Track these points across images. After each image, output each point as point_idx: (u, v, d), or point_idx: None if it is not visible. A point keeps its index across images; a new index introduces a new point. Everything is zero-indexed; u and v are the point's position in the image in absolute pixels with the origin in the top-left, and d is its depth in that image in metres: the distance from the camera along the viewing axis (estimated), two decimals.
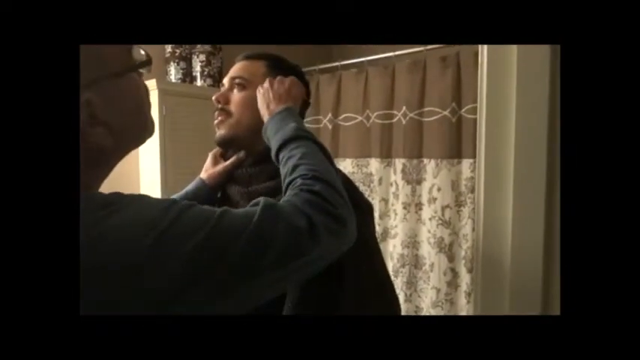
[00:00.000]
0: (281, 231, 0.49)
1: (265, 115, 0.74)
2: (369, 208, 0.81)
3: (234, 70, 0.83)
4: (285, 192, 0.59)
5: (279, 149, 0.67)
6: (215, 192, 0.86)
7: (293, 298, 0.68)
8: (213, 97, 0.82)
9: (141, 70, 0.55)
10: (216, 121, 0.82)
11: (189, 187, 0.87)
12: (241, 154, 0.85)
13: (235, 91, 0.81)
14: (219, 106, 0.82)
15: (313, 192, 0.55)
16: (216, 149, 0.89)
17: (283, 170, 0.64)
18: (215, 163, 0.88)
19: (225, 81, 0.84)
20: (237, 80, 0.81)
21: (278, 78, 0.77)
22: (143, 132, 0.56)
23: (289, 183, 0.59)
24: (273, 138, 0.70)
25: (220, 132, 0.82)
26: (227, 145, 0.84)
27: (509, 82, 0.70)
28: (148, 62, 0.54)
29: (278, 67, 0.83)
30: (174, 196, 0.86)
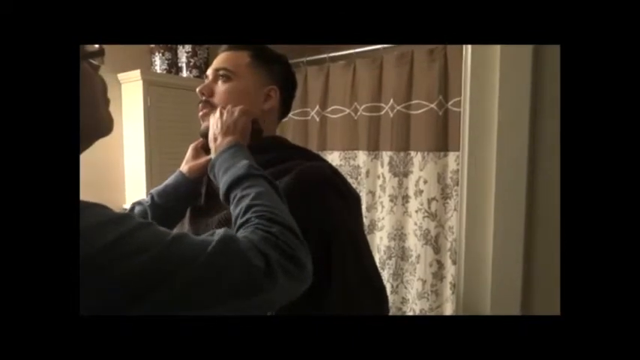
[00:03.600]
0: (236, 267, 0.48)
1: (212, 150, 0.72)
2: (355, 199, 0.81)
3: (218, 62, 0.81)
4: (237, 232, 0.57)
5: (230, 188, 0.63)
6: (195, 185, 0.85)
7: None
8: (197, 89, 0.80)
9: (95, 63, 0.52)
10: (200, 113, 0.81)
11: (169, 180, 0.85)
12: None
13: (219, 82, 0.80)
14: (204, 98, 0.80)
15: (270, 233, 0.53)
16: (197, 141, 0.88)
17: (235, 210, 0.60)
18: (196, 155, 0.86)
19: (209, 72, 0.82)
20: (221, 72, 0.80)
21: (228, 107, 0.75)
22: (95, 129, 0.52)
23: (242, 224, 0.56)
24: (222, 176, 0.66)
25: (206, 124, 0.80)
26: None
27: (492, 77, 0.71)
28: (99, 53, 0.51)
29: (262, 57, 0.82)
30: (153, 190, 0.84)
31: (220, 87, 0.79)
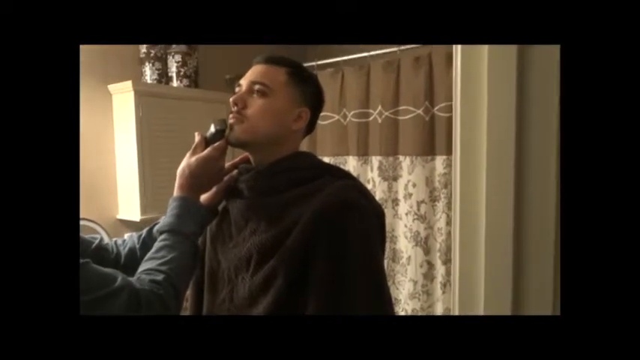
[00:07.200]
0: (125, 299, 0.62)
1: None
2: (380, 217, 0.82)
3: (255, 74, 0.81)
4: (143, 265, 0.72)
5: (160, 232, 0.76)
6: (213, 212, 0.87)
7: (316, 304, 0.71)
8: (231, 99, 0.80)
9: None
10: (231, 121, 0.81)
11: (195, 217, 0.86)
12: (234, 172, 0.87)
13: (255, 96, 0.79)
14: (236, 109, 0.80)
15: (159, 286, 0.68)
16: (236, 161, 0.90)
17: (152, 250, 0.74)
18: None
19: (243, 83, 0.82)
20: (257, 86, 0.79)
21: (198, 156, 0.80)
22: None
23: (150, 268, 0.70)
24: (165, 217, 0.78)
25: (235, 134, 0.80)
26: (241, 147, 0.83)
27: (480, 81, 0.75)
28: None
29: (298, 76, 0.82)
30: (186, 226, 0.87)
31: (256, 101, 0.79)
